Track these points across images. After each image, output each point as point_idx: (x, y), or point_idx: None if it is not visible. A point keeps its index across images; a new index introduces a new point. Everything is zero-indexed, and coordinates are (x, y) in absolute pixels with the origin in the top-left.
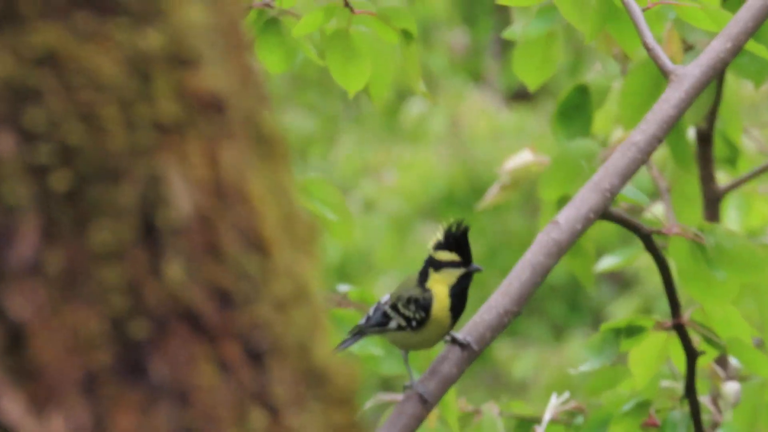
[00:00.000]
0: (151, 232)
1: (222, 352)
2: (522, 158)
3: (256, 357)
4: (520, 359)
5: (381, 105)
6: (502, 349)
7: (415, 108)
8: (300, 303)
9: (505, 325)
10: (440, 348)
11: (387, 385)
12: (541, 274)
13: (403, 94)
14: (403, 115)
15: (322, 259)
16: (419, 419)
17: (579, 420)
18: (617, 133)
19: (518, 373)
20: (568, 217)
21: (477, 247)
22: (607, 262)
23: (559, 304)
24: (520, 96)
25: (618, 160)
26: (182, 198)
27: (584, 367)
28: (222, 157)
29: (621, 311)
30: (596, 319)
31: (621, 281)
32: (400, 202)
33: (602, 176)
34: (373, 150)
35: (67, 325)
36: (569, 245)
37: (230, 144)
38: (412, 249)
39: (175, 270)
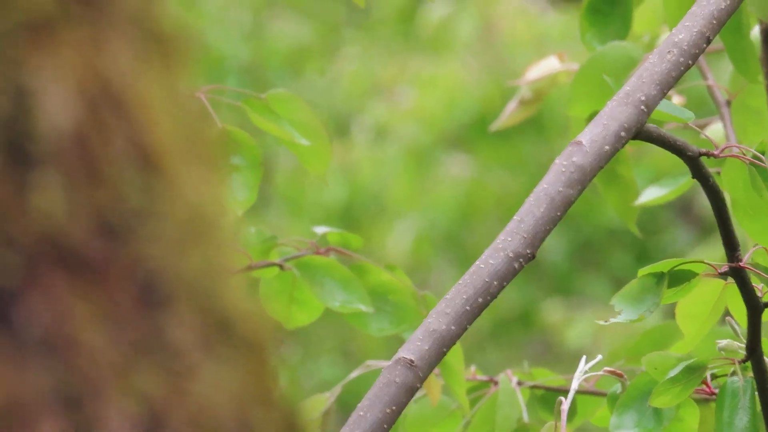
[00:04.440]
0: (15, 155)
1: (105, 298)
2: (547, 66)
3: (147, 301)
4: (574, 324)
5: (362, 1)
6: (552, 312)
7: (436, 10)
8: (202, 234)
9: (516, 272)
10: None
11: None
12: (561, 207)
13: None
14: (421, 19)
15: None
16: (411, 389)
17: (617, 389)
18: (666, 35)
19: (573, 341)
20: (593, 136)
21: (517, 181)
22: (652, 194)
23: (622, 253)
24: None
25: (656, 65)
26: (54, 112)
27: (617, 319)
28: (104, 59)
29: None
30: None
31: (702, 224)
32: (419, 128)
33: (635, 86)
34: (385, 64)
35: None
36: (595, 171)
37: (113, 44)
38: (435, 187)
39: (46, 199)
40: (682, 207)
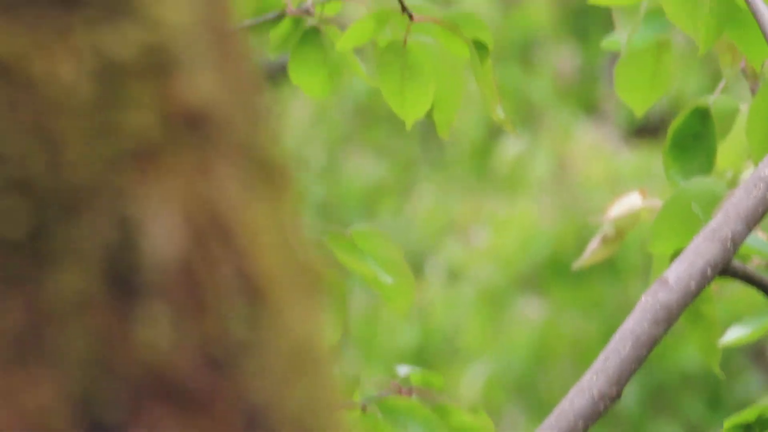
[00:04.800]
0: (121, 286)
1: None
2: (629, 203)
3: None
4: None
5: (447, 134)
6: None
7: (511, 148)
8: (306, 368)
9: (601, 413)
10: None
11: None
12: (646, 346)
13: (495, 132)
14: (496, 157)
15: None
16: None
17: None
18: (750, 170)
19: None
20: (679, 273)
21: (593, 324)
22: (735, 333)
23: (694, 398)
24: (644, 131)
25: (741, 200)
26: (160, 241)
27: None
28: (211, 187)
29: None
30: None
31: None
32: (494, 268)
33: (722, 222)
34: (460, 202)
35: (15, 404)
36: (681, 309)
37: (220, 172)
38: (508, 329)
39: (151, 331)
40: (755, 351)
